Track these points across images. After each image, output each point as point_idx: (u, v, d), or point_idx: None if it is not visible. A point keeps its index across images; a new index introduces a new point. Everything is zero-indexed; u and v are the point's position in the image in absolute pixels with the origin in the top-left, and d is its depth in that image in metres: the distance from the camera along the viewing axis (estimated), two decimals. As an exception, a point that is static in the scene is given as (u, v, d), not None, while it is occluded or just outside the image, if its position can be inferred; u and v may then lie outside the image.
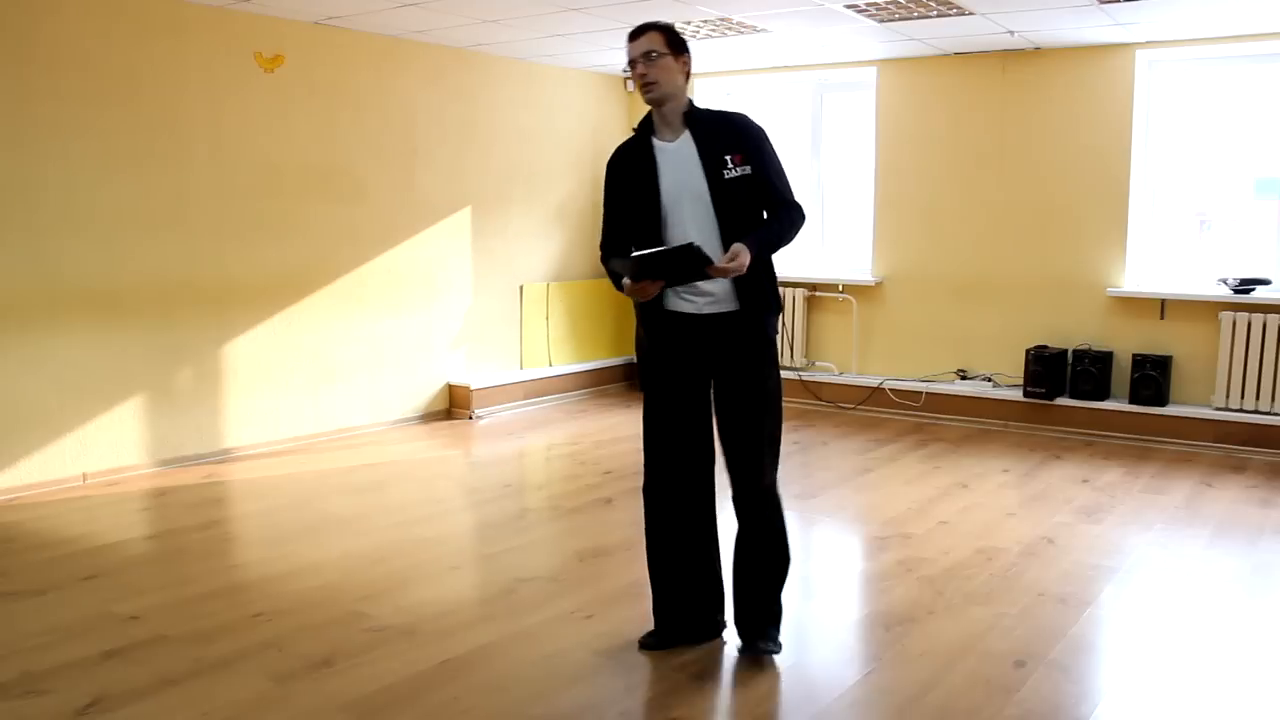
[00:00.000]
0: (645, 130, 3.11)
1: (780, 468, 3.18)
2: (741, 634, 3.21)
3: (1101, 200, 6.39)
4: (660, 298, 3.06)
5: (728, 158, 3.00)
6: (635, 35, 3.04)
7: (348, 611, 3.51)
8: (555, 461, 5.98)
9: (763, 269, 3.03)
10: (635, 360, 8.02)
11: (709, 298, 3.04)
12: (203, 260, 5.53)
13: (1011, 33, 5.99)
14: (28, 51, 4.82)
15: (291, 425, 6.02)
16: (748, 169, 3.01)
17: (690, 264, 2.86)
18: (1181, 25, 5.68)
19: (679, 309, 3.08)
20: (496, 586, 3.83)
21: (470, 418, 6.84)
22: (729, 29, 6.00)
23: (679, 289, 3.03)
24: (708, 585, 3.25)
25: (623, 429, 6.59)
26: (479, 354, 7.15)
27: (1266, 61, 6.00)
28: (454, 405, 6.93)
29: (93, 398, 5.14)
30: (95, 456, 5.17)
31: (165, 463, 5.44)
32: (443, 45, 6.63)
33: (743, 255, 2.88)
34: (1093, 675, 3.15)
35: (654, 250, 2.84)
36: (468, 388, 6.86)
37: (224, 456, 5.67)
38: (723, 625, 3.29)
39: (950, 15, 5.55)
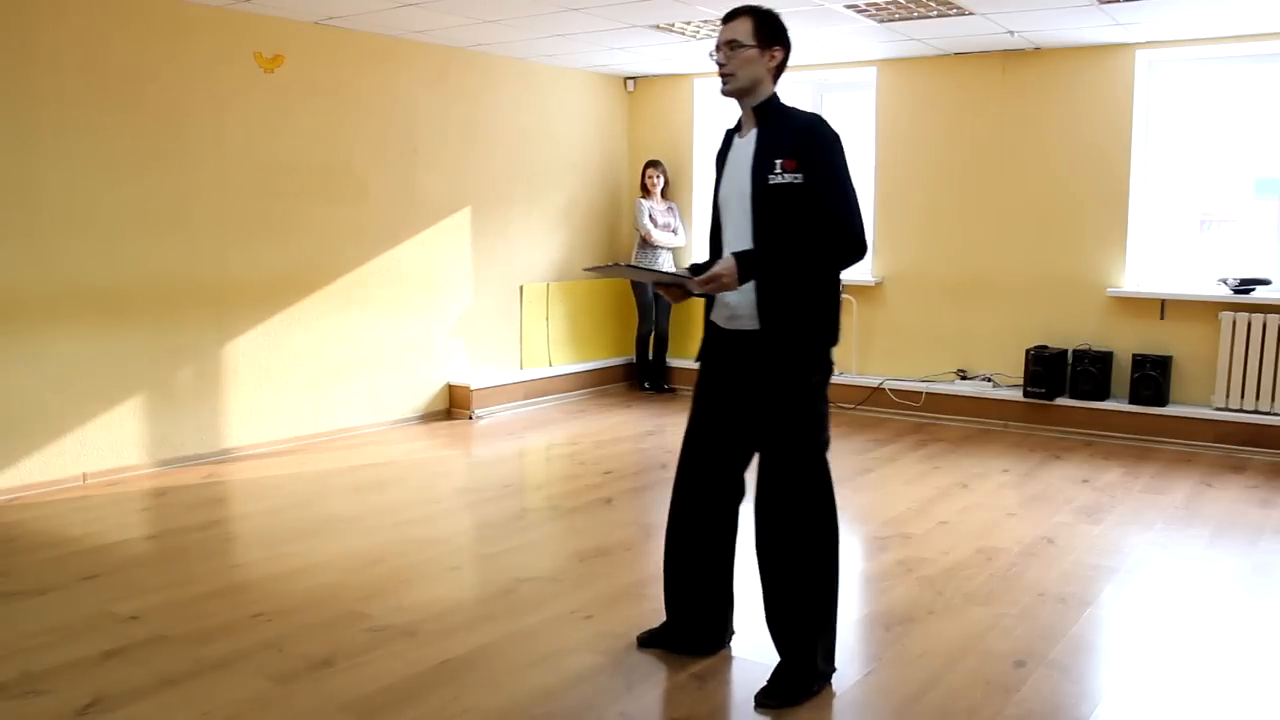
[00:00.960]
0: (736, 129, 2.96)
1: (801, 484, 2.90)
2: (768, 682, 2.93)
3: (1101, 200, 6.39)
4: (710, 303, 2.99)
5: (778, 162, 2.74)
6: (726, 19, 2.83)
7: (348, 611, 3.51)
8: (555, 461, 5.98)
9: (799, 291, 2.77)
10: (635, 360, 8.03)
11: (728, 310, 2.88)
12: (204, 260, 5.53)
13: (1011, 33, 5.99)
14: (30, 53, 4.82)
15: (291, 425, 6.02)
16: (798, 177, 2.72)
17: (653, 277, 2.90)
18: (1181, 25, 5.68)
19: (713, 318, 2.98)
20: (496, 586, 3.83)
21: (470, 418, 6.84)
22: (729, 29, 5.99)
23: (717, 298, 2.92)
24: (715, 598, 3.13)
25: (623, 429, 6.59)
26: (479, 354, 7.15)
27: (1266, 61, 6.00)
28: (454, 405, 6.93)
29: (93, 398, 5.14)
30: (95, 456, 5.17)
31: (165, 463, 5.44)
32: (443, 45, 6.63)
33: (720, 270, 2.70)
34: (1093, 675, 3.15)
35: (603, 265, 2.85)
36: (468, 388, 6.86)
37: (224, 456, 5.67)
38: (729, 636, 3.21)
39: (950, 15, 5.55)
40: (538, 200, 7.49)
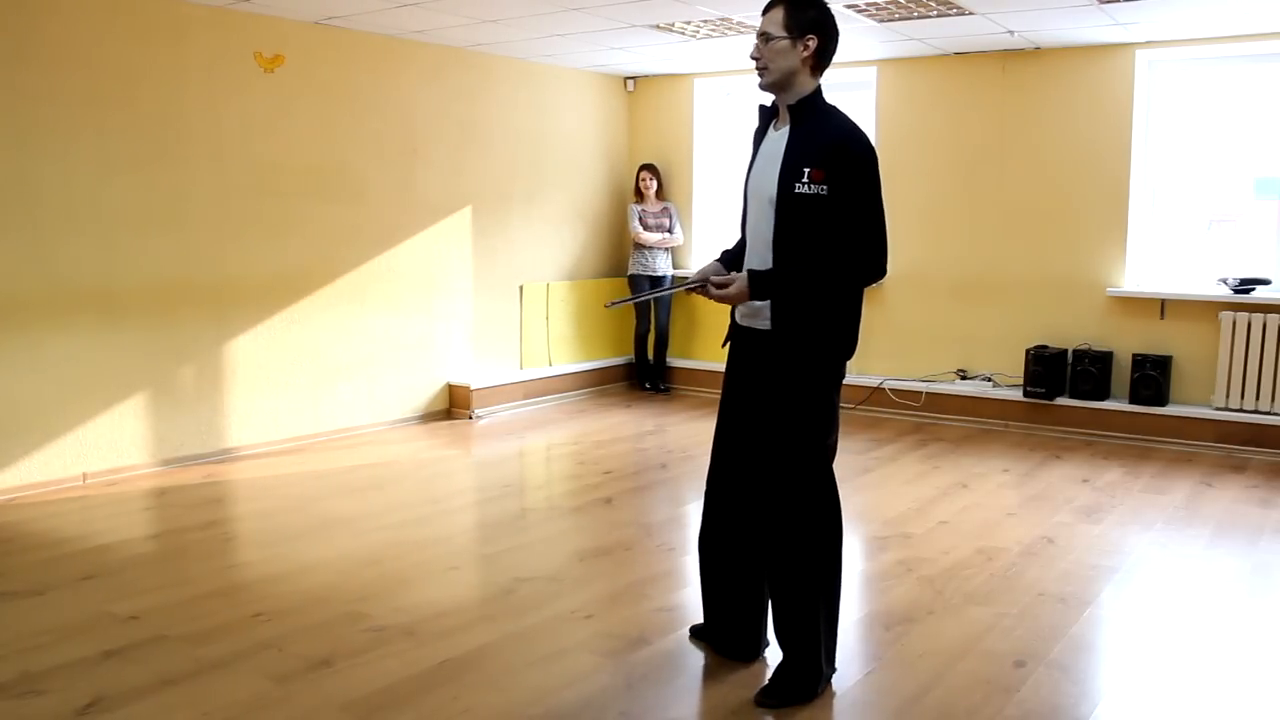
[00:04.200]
0: (773, 113, 2.89)
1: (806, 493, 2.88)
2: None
3: (1101, 200, 6.39)
4: None
5: (806, 170, 2.68)
6: (765, 10, 2.77)
7: (347, 611, 3.51)
8: (555, 461, 5.98)
9: (810, 301, 2.78)
10: (634, 360, 8.03)
11: (747, 307, 2.89)
12: (202, 260, 5.53)
13: (1011, 33, 5.99)
14: (28, 52, 4.82)
15: (291, 425, 6.02)
16: (824, 189, 2.68)
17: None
18: (1181, 25, 5.68)
19: (734, 315, 3.00)
20: (496, 586, 3.83)
21: (470, 418, 6.84)
22: (729, 29, 6.00)
23: None
24: (746, 602, 3.07)
25: (623, 429, 6.59)
26: (479, 354, 7.15)
27: (1266, 61, 6.00)
28: (454, 405, 6.93)
29: (93, 398, 5.14)
30: (95, 456, 5.17)
31: (165, 463, 5.44)
32: (442, 45, 6.63)
33: (732, 292, 2.74)
34: (1093, 675, 3.15)
35: (620, 300, 3.10)
36: (468, 388, 6.86)
37: (224, 456, 5.67)
38: (764, 645, 3.13)
39: (950, 15, 5.55)
40: (537, 200, 7.49)
